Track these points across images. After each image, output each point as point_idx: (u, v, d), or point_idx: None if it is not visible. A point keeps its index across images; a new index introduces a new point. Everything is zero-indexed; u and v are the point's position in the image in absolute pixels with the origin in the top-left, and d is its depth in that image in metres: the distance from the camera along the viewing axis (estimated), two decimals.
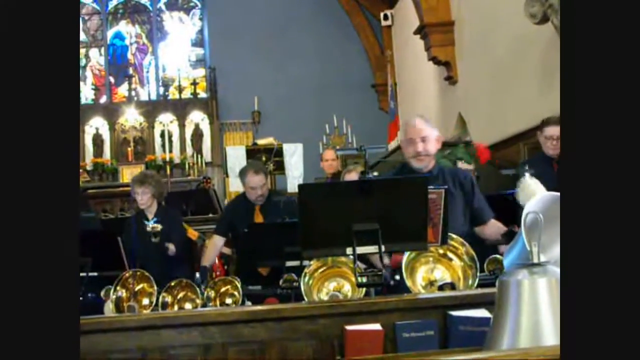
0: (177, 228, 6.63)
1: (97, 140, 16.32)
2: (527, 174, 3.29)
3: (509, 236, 4.15)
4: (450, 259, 3.64)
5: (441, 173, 4.55)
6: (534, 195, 3.33)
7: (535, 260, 1.98)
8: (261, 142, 10.98)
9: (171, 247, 6.27)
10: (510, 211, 3.98)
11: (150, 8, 17.53)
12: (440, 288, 3.52)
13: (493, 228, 4.46)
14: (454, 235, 3.69)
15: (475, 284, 3.53)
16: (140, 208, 6.61)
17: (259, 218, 6.21)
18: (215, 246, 6.31)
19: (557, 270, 2.01)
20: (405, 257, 3.59)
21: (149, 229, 6.11)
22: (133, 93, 16.89)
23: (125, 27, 17.57)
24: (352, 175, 6.34)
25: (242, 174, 6.33)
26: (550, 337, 1.89)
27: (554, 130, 5.75)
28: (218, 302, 4.49)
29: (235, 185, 9.88)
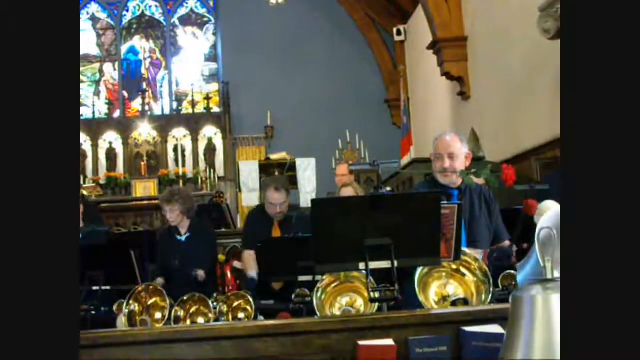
0: (213, 246, 6.67)
1: (111, 155, 16.38)
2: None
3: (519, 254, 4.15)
4: (464, 275, 3.63)
5: (468, 190, 4.55)
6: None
7: (549, 276, 1.97)
8: (274, 157, 10.98)
9: (200, 273, 6.27)
10: (520, 226, 3.97)
11: (164, 23, 17.62)
12: (453, 303, 3.50)
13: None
14: (467, 251, 3.68)
15: (489, 300, 3.51)
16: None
17: (277, 233, 6.22)
18: (252, 258, 6.29)
19: None
20: (418, 272, 3.58)
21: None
22: (146, 107, 16.96)
23: (139, 42, 17.67)
24: (348, 190, 6.33)
25: (264, 188, 6.39)
26: None
27: None
28: (230, 317, 4.49)
29: (248, 200, 9.90)
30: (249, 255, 6.25)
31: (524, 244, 4.26)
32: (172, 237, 6.53)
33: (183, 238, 6.51)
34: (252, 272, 6.15)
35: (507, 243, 4.49)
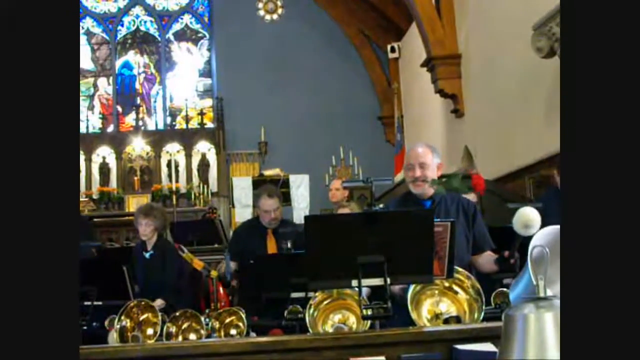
0: (172, 265, 6.56)
1: (104, 169, 16.35)
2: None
3: (500, 262, 4.12)
4: (456, 292, 3.63)
5: (443, 199, 4.55)
6: (528, 223, 3.34)
7: (542, 294, 1.97)
8: (268, 173, 11.00)
9: (158, 303, 6.21)
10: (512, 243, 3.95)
11: (159, 38, 17.64)
12: (446, 321, 3.50)
13: (486, 258, 4.42)
14: (459, 269, 3.68)
15: (481, 318, 3.51)
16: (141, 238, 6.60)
17: (271, 242, 6.20)
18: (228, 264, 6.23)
19: None
20: (411, 289, 3.58)
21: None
22: (140, 122, 16.97)
23: (133, 57, 17.68)
24: (345, 211, 6.33)
25: (256, 196, 6.37)
26: None
27: None
28: (223, 333, 4.47)
29: (241, 216, 9.89)
30: (226, 262, 6.23)
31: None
32: (139, 253, 6.53)
33: (147, 255, 6.50)
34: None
35: (487, 252, 4.46)
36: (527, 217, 3.39)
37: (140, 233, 6.52)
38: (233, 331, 4.49)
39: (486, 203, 7.27)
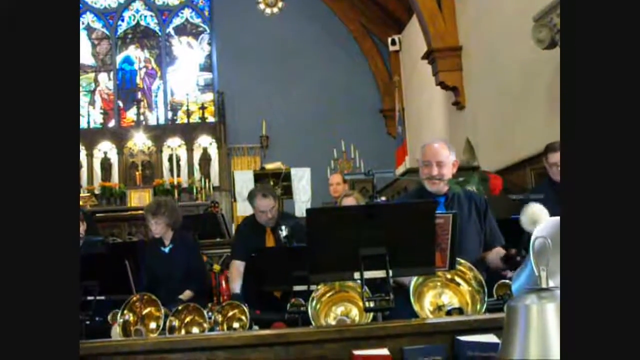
0: (195, 255, 6.59)
1: (106, 164, 16.37)
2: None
3: (507, 259, 4.12)
4: (458, 284, 3.63)
5: (457, 196, 4.54)
6: (537, 219, 3.34)
7: (544, 285, 1.97)
8: (269, 166, 10.98)
9: (187, 294, 6.23)
10: (516, 235, 3.96)
11: (159, 33, 17.63)
12: (448, 313, 3.50)
13: (494, 254, 4.40)
14: (462, 260, 3.68)
15: (484, 309, 3.51)
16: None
17: (270, 240, 6.19)
18: (238, 271, 6.17)
19: None
20: (413, 282, 3.58)
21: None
22: (141, 117, 16.97)
23: (134, 52, 17.67)
24: (350, 200, 6.30)
25: (251, 197, 6.30)
26: None
27: (558, 157, 5.57)
28: (225, 327, 4.48)
29: (242, 210, 9.88)
30: (235, 269, 6.20)
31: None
32: (157, 248, 6.46)
33: (167, 249, 6.45)
34: (236, 285, 6.09)
35: (497, 249, 4.44)
36: (535, 213, 3.39)
37: (153, 232, 6.47)
38: (236, 324, 4.51)
39: (488, 195, 7.27)
